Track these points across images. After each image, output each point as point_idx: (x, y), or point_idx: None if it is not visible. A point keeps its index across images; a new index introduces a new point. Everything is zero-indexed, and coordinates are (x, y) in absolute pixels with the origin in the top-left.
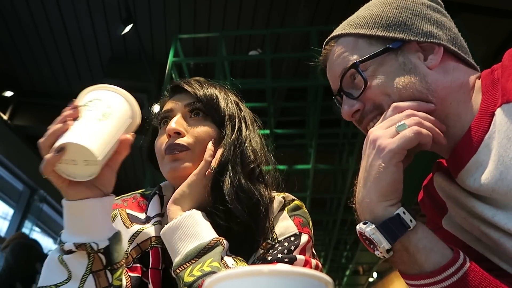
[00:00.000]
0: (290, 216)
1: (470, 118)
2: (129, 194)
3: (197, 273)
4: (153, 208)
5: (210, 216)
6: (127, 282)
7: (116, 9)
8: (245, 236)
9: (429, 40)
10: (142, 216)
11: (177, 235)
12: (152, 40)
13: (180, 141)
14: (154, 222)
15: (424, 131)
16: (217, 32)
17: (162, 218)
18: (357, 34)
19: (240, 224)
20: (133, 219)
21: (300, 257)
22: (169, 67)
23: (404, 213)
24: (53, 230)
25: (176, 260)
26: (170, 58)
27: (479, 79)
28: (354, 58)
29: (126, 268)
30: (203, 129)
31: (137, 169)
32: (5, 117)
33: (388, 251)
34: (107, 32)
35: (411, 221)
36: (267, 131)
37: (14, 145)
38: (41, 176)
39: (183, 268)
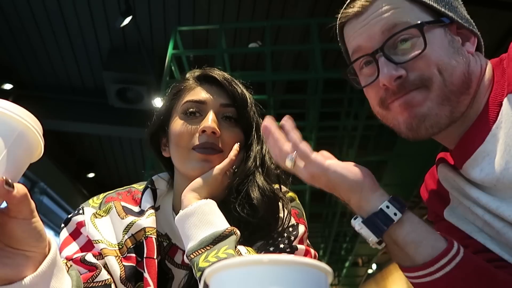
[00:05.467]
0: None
1: (479, 106)
2: (124, 188)
3: (212, 259)
4: (146, 201)
5: (223, 207)
6: (121, 271)
7: (115, 1)
8: (259, 228)
9: (470, 27)
10: (136, 209)
11: (192, 221)
12: (151, 32)
13: (216, 141)
14: (148, 215)
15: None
16: (216, 24)
17: (156, 211)
18: None
19: (261, 219)
20: (128, 211)
21: (301, 247)
22: (169, 59)
23: (388, 207)
24: (53, 222)
25: (190, 245)
26: (170, 50)
27: (489, 68)
28: (408, 19)
29: (121, 257)
30: (234, 135)
31: (137, 162)
32: None
33: (380, 243)
34: (106, 25)
35: (395, 214)
36: None
37: None
38: (41, 169)
39: (198, 253)
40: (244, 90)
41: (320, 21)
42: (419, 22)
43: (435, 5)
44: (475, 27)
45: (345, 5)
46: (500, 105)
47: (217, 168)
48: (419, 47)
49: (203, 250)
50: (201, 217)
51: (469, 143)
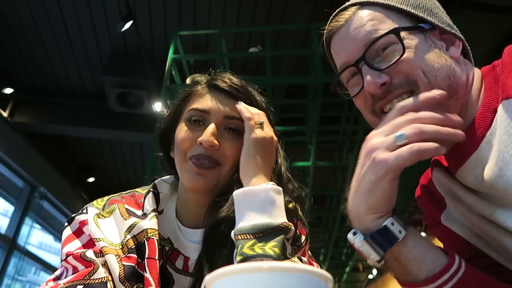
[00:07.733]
0: None
1: (472, 114)
2: (127, 192)
3: (258, 250)
4: (149, 205)
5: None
6: (120, 270)
7: (116, 6)
8: None
9: (452, 31)
10: (139, 212)
11: (254, 202)
12: (152, 36)
13: (212, 154)
14: (151, 217)
15: (425, 146)
16: (217, 29)
17: (159, 214)
18: (387, 5)
19: None
20: (131, 214)
21: (304, 260)
22: (169, 64)
23: (392, 224)
24: (53, 227)
25: (241, 225)
26: (170, 55)
27: (478, 75)
28: (386, 27)
29: (121, 257)
30: (235, 148)
31: (137, 167)
32: (5, 114)
33: (379, 261)
34: (107, 29)
35: (400, 232)
36: None
37: (14, 142)
38: (41, 173)
39: (245, 237)
40: (257, 99)
41: (320, 25)
42: (396, 27)
43: (413, 11)
44: (458, 31)
45: (329, 21)
46: (494, 111)
47: None
48: (399, 52)
49: (251, 236)
50: (263, 201)
51: (463, 149)
